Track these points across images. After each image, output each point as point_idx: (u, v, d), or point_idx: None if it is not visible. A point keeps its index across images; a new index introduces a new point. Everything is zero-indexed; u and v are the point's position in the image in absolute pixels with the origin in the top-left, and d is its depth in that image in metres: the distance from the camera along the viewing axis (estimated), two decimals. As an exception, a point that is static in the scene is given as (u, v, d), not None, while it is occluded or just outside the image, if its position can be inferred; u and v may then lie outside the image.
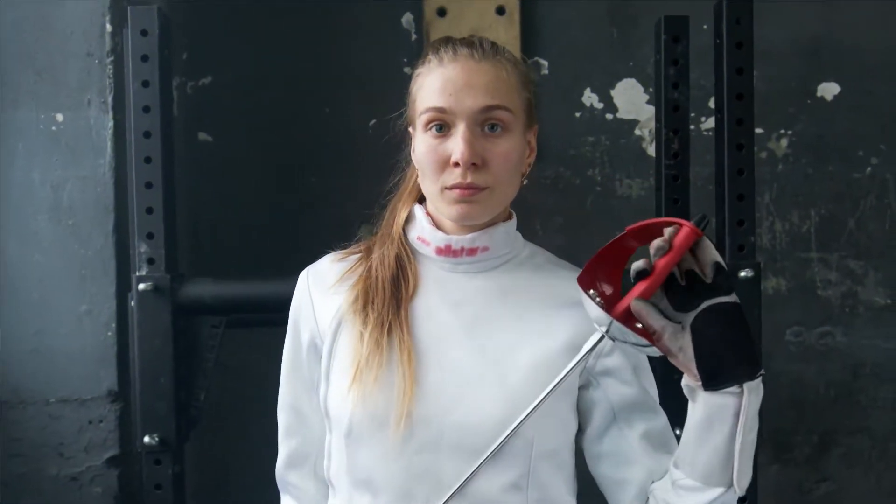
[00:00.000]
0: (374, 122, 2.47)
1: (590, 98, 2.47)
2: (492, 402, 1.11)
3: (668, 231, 1.01)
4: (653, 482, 1.15)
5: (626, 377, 1.18)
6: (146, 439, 1.66)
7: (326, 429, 1.21)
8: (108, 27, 1.93)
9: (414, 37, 2.46)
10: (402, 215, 1.25)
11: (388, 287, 1.18)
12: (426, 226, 1.20)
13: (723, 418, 1.02)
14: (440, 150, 1.13)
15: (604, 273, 1.08)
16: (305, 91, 2.46)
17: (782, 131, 2.44)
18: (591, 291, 1.05)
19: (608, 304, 1.06)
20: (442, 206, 1.16)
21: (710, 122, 2.43)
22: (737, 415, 1.01)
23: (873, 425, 2.47)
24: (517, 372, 1.13)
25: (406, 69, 2.46)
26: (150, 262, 1.67)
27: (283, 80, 2.45)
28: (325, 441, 1.23)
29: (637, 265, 1.02)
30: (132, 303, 1.72)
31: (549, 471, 1.14)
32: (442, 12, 2.43)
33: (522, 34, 2.42)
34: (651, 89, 2.45)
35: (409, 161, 1.28)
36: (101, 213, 1.95)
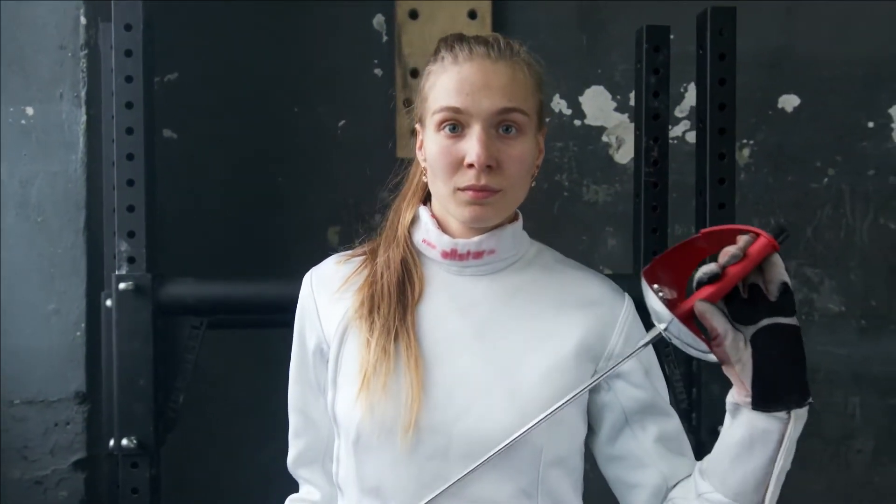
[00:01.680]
0: (343, 122, 2.46)
1: (559, 104, 2.49)
2: (501, 410, 1.09)
3: (743, 239, 0.99)
4: (669, 486, 1.16)
5: (637, 380, 1.18)
6: (124, 442, 1.62)
7: (335, 433, 1.20)
8: (83, 20, 1.88)
9: (385, 38, 2.46)
10: (408, 217, 1.23)
11: (395, 292, 1.16)
12: (432, 228, 1.18)
13: (766, 441, 1.01)
14: (454, 150, 1.11)
15: (670, 272, 1.05)
16: (274, 90, 2.43)
17: (744, 141, 2.50)
18: (656, 286, 1.01)
19: (670, 304, 1.02)
20: (453, 207, 1.14)
21: (675, 131, 2.48)
22: (780, 441, 1.00)
23: (826, 429, 2.54)
24: (527, 379, 1.11)
25: (377, 70, 2.45)
26: (131, 260, 1.63)
27: (251, 78, 2.42)
28: (332, 442, 1.22)
29: (708, 268, 0.99)
30: (108, 302, 1.68)
31: (558, 477, 1.14)
32: (414, 14, 2.43)
33: (494, 39, 2.43)
34: (619, 97, 2.49)
35: (412, 160, 1.27)
36: (71, 210, 1.90)
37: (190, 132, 2.41)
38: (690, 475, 1.15)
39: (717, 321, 0.99)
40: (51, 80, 1.88)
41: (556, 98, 2.49)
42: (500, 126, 1.11)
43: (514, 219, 1.21)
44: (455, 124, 1.11)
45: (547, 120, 1.24)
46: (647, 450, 1.16)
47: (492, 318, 1.15)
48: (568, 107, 2.49)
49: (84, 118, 1.90)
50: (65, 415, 1.91)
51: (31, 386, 1.90)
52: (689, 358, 1.72)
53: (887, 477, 2.55)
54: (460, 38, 1.15)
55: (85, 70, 1.89)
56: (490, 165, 1.10)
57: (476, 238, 1.16)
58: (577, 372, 1.13)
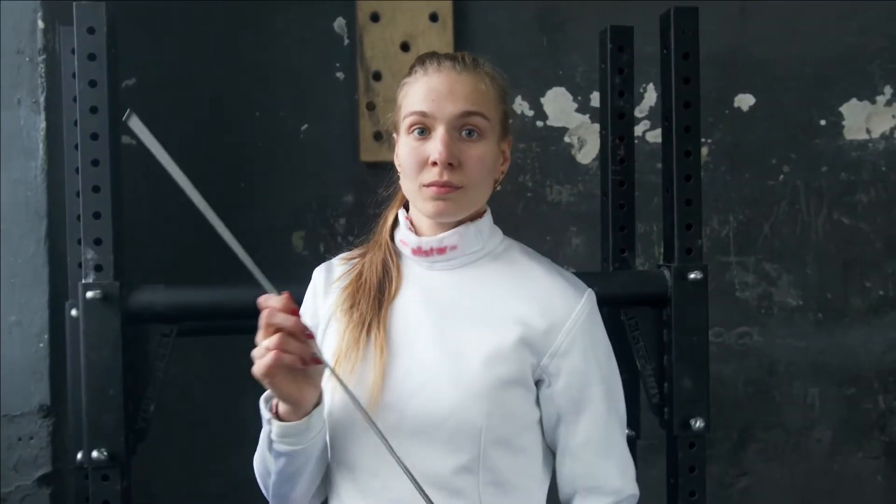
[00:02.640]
0: (306, 126, 2.44)
1: (521, 105, 2.51)
2: (447, 391, 1.20)
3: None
4: (578, 486, 1.29)
5: (574, 381, 1.26)
6: (94, 454, 1.59)
7: None
8: (41, 24, 1.85)
9: (346, 42, 2.45)
10: (390, 221, 1.34)
11: (374, 289, 1.28)
12: (404, 229, 1.30)
13: None
14: (421, 150, 1.22)
15: None
16: (235, 95, 2.41)
17: (702, 140, 2.54)
18: None
19: None
20: (420, 202, 1.24)
21: (636, 130, 2.50)
22: None
23: (786, 420, 2.60)
24: (470, 364, 1.21)
25: (339, 74, 2.44)
26: (98, 268, 1.60)
27: (211, 83, 2.39)
28: None
29: None
30: (73, 312, 1.65)
31: (501, 456, 1.22)
32: (375, 17, 2.43)
33: (455, 41, 2.44)
34: (580, 97, 2.51)
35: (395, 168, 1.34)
36: (32, 219, 1.86)
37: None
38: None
39: None
40: (8, 86, 1.84)
41: (518, 100, 2.51)
42: (463, 129, 1.22)
43: (478, 216, 1.30)
44: (422, 128, 1.23)
45: (509, 137, 1.34)
46: (570, 446, 1.27)
47: (450, 308, 1.26)
48: (530, 108, 2.51)
49: (44, 124, 1.86)
50: (28, 429, 1.87)
51: (-8, 400, 1.86)
52: (661, 353, 1.75)
53: (846, 465, 2.62)
54: (432, 55, 1.27)
55: (43, 75, 1.85)
56: (452, 164, 1.20)
57: (438, 235, 1.26)
58: (516, 363, 1.22)
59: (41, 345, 1.86)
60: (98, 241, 1.60)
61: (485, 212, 1.31)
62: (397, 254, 1.32)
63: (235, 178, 2.41)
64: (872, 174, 2.59)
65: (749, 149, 2.56)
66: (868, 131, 2.58)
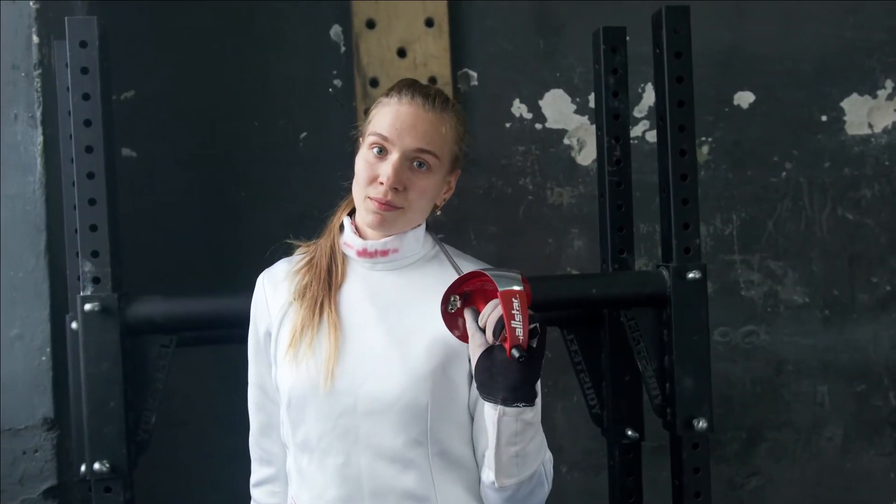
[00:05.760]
0: (304, 134, 2.45)
1: (519, 108, 2.50)
2: (396, 374, 1.34)
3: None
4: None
5: None
6: (96, 466, 1.59)
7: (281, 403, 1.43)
8: (35, 39, 1.85)
9: (343, 49, 2.45)
10: (340, 217, 1.47)
11: (324, 272, 1.42)
12: (350, 234, 1.44)
13: (490, 424, 1.27)
14: (375, 167, 1.36)
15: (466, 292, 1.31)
16: (233, 104, 2.41)
17: (703, 139, 2.53)
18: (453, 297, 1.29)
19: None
20: (363, 211, 1.39)
21: (635, 130, 2.50)
22: (495, 425, 1.25)
23: (796, 419, 2.58)
24: (415, 349, 1.35)
25: (336, 81, 2.45)
26: (96, 281, 1.61)
27: (209, 93, 2.40)
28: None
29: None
30: (73, 325, 1.65)
31: (446, 429, 1.36)
32: (371, 24, 2.43)
33: (452, 45, 2.44)
34: (578, 99, 2.50)
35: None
36: (31, 233, 1.87)
37: (149, 150, 2.38)
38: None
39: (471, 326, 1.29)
40: (5, 101, 1.85)
41: (517, 103, 2.51)
42: (415, 161, 1.37)
43: (416, 225, 1.44)
44: (381, 148, 1.37)
45: (458, 171, 1.45)
46: (483, 422, 1.34)
47: (394, 303, 1.40)
48: (528, 111, 2.50)
49: (40, 139, 1.86)
50: (33, 442, 1.87)
51: (-4, 414, 1.86)
52: (662, 353, 1.74)
53: (858, 463, 2.59)
54: (411, 85, 1.41)
55: (39, 90, 1.86)
56: (397, 188, 1.35)
57: (383, 240, 1.41)
58: (454, 346, 1.35)
59: (44, 358, 1.87)
60: (95, 254, 1.61)
61: (422, 221, 1.46)
62: (342, 254, 1.45)
63: (236, 187, 2.42)
64: (875, 169, 2.57)
65: (750, 146, 2.55)
66: (870, 126, 2.57)
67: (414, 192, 1.37)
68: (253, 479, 1.50)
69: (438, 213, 1.47)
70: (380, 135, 1.36)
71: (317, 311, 1.38)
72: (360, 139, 1.43)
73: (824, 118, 2.57)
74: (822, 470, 2.59)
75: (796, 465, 2.58)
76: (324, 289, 1.40)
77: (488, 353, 1.24)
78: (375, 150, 1.36)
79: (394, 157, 1.35)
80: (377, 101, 1.43)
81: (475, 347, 1.26)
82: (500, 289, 1.20)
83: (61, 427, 1.87)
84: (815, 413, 2.58)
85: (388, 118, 1.37)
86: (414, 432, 1.34)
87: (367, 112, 1.44)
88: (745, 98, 2.55)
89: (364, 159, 1.38)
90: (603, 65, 1.84)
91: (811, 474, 2.58)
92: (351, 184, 1.43)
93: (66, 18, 1.59)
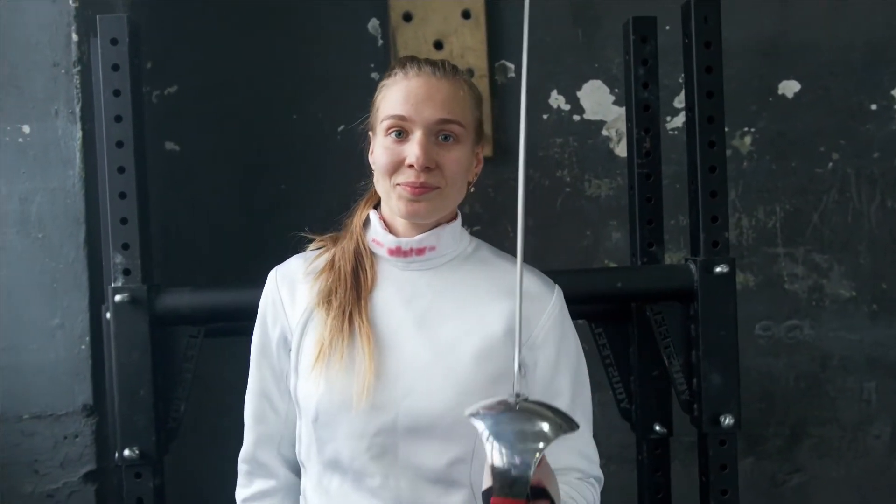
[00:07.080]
0: (342, 127, 2.47)
1: (556, 100, 2.49)
2: (440, 389, 1.23)
3: None
4: None
5: (547, 372, 1.31)
6: (126, 452, 1.64)
7: (297, 415, 1.32)
8: (75, 36, 1.90)
9: (380, 42, 2.47)
10: (362, 215, 1.37)
11: (350, 278, 1.30)
12: (379, 229, 1.32)
13: None
14: (397, 151, 1.25)
15: None
16: (273, 98, 2.45)
17: (746, 129, 2.48)
18: None
19: None
20: (393, 202, 1.27)
21: (675, 122, 2.46)
22: None
23: (841, 415, 2.52)
24: (461, 361, 1.25)
25: (374, 74, 2.46)
26: (126, 272, 1.65)
27: (249, 87, 2.43)
28: (290, 424, 1.34)
29: None
30: (107, 315, 1.70)
31: None
32: (408, 17, 2.44)
33: (489, 37, 2.43)
34: (617, 90, 2.48)
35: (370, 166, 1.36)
36: (71, 225, 1.92)
37: (192, 143, 2.44)
38: None
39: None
40: (46, 98, 1.91)
41: (554, 94, 2.49)
42: (440, 134, 1.26)
43: (452, 218, 1.34)
44: (400, 130, 1.25)
45: (483, 141, 1.37)
46: None
47: (433, 308, 1.29)
48: (566, 102, 2.48)
49: (80, 134, 1.92)
50: (73, 428, 1.94)
51: (38, 400, 1.93)
52: (689, 348, 1.72)
53: (906, 462, 2.53)
54: (412, 59, 1.30)
55: (79, 86, 1.92)
56: (429, 167, 1.24)
57: (418, 236, 1.29)
58: (504, 357, 1.24)
59: (83, 346, 1.92)
60: (125, 246, 1.65)
61: (457, 214, 1.35)
62: (369, 252, 1.33)
63: (276, 180, 2.46)
64: (927, 159, 2.49)
65: (795, 137, 2.49)
66: (922, 115, 2.49)
67: (448, 167, 1.25)
68: (245, 492, 1.39)
69: (472, 189, 1.35)
70: (395, 115, 1.24)
71: (346, 322, 1.26)
72: (371, 132, 1.33)
73: (874, 107, 2.50)
74: (868, 468, 2.52)
75: (841, 462, 2.52)
76: (352, 296, 1.27)
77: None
78: (394, 133, 1.24)
79: (417, 134, 1.23)
80: (379, 87, 1.31)
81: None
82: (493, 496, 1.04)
83: (100, 414, 1.93)
84: (862, 410, 2.52)
85: (399, 96, 1.25)
86: (459, 451, 1.25)
87: (371, 103, 1.33)
88: (790, 87, 2.49)
89: (382, 147, 1.26)
90: (633, 55, 1.82)
91: (857, 472, 2.52)
92: (362, 186, 1.38)
93: (97, 17, 1.63)
